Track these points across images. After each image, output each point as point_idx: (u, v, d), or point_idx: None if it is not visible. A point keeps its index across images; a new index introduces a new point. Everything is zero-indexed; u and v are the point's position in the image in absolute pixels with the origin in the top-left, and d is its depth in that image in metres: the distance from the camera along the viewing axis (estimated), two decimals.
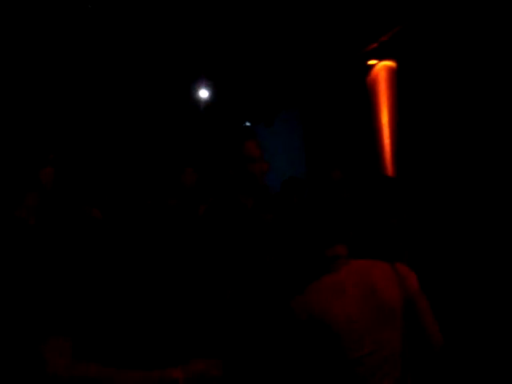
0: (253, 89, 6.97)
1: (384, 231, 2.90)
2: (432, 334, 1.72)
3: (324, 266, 1.78)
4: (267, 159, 2.18)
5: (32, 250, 2.43)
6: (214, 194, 2.87)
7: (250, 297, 1.88)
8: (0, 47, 4.52)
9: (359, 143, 5.70)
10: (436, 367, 1.82)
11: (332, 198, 3.36)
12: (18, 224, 2.42)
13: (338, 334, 1.65)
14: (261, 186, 2.15)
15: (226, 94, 7.12)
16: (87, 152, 4.94)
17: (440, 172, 4.15)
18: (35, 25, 4.51)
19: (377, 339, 1.67)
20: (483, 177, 3.62)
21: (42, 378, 1.28)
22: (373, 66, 5.33)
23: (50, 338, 1.32)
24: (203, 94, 6.79)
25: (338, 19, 4.75)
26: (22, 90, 4.96)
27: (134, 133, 5.89)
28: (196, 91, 6.73)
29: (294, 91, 6.94)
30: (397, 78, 4.97)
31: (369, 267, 1.78)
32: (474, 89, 3.81)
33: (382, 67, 5.20)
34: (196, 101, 6.77)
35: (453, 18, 3.98)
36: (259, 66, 6.18)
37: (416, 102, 4.59)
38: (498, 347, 2.71)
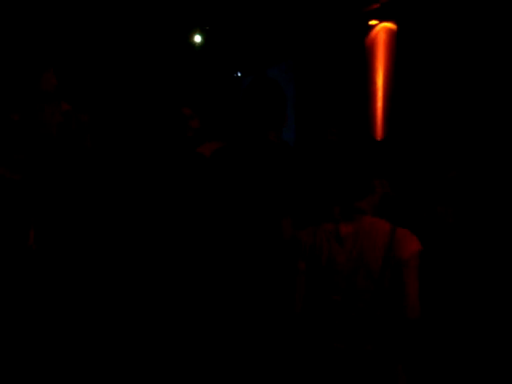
0: (246, 38, 6.84)
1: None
2: (407, 304, 1.79)
3: (342, 214, 1.93)
4: None
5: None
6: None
7: None
8: None
9: (351, 103, 5.70)
10: (405, 340, 1.89)
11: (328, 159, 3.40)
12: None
13: (324, 271, 1.88)
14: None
15: (219, 42, 6.98)
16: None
17: (431, 138, 4.20)
18: None
19: (351, 291, 1.83)
20: (475, 146, 3.69)
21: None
22: (373, 26, 5.27)
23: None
24: (197, 38, 6.64)
25: None
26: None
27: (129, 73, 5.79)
28: (189, 35, 6.58)
29: (289, 44, 6.83)
30: (396, 40, 4.94)
31: (370, 226, 1.88)
32: (474, 59, 3.83)
33: (381, 28, 5.15)
34: (189, 45, 6.63)
35: None
36: (255, 15, 6.06)
37: (413, 67, 4.60)
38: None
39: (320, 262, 1.88)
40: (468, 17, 3.91)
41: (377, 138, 5.05)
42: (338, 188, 1.94)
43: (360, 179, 1.92)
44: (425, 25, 4.43)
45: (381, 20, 5.14)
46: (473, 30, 3.85)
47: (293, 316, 1.96)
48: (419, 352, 2.07)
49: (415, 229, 1.89)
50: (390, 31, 5.04)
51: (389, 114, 5.08)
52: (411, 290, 1.79)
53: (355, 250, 1.83)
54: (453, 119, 4.01)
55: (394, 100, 4.99)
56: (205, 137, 3.29)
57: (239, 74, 7.81)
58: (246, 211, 2.18)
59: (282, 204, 2.17)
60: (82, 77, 4.96)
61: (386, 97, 5.12)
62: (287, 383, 2.01)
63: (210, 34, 6.79)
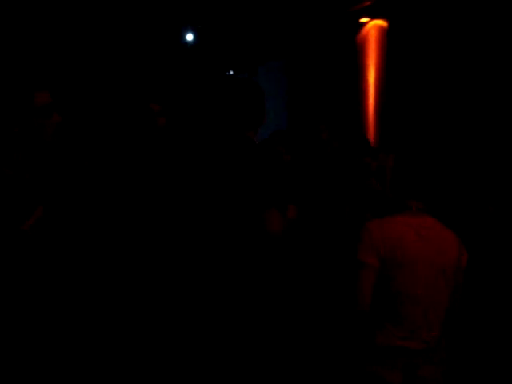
0: (239, 36, 6.86)
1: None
2: (458, 300, 1.91)
3: (398, 208, 1.93)
4: None
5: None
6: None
7: None
8: None
9: (343, 100, 5.74)
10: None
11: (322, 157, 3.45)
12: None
13: (401, 265, 1.82)
14: None
15: (212, 40, 7.00)
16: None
17: (422, 135, 4.24)
18: None
19: (427, 291, 1.83)
20: (465, 140, 3.74)
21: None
22: (364, 23, 5.31)
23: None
24: (189, 37, 6.65)
25: None
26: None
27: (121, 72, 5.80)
28: (182, 34, 6.59)
29: (281, 41, 6.86)
30: (387, 38, 4.98)
31: (441, 228, 1.91)
32: (463, 56, 3.87)
33: (373, 26, 5.20)
34: (182, 43, 6.65)
35: None
36: (247, 13, 6.07)
37: (404, 64, 4.63)
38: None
39: (399, 254, 1.82)
40: (459, 14, 3.95)
41: (369, 134, 5.08)
42: (398, 185, 1.97)
43: (422, 178, 1.94)
44: (416, 22, 4.46)
45: (372, 17, 5.18)
46: (464, 26, 3.90)
47: (361, 313, 1.86)
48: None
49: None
50: (381, 28, 5.08)
51: (381, 110, 5.12)
52: (461, 290, 1.91)
53: (435, 248, 1.84)
54: (444, 114, 4.05)
55: (386, 97, 5.03)
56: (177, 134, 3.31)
57: (231, 73, 7.84)
58: (218, 205, 2.19)
59: (261, 197, 2.16)
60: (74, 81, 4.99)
61: (377, 94, 5.16)
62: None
63: (202, 32, 6.81)
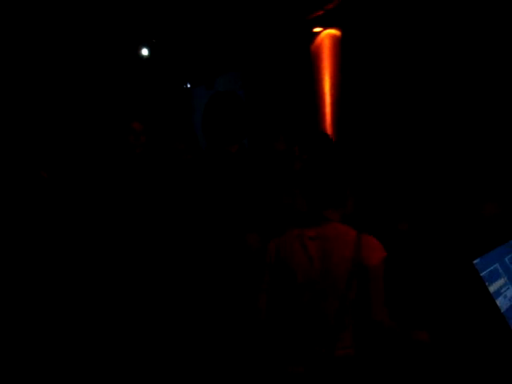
0: (194, 49, 6.84)
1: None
2: (375, 314, 1.83)
3: (310, 220, 1.95)
4: None
5: None
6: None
7: None
8: None
9: (300, 110, 5.78)
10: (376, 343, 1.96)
11: (277, 168, 3.43)
12: None
13: (293, 276, 1.88)
14: None
15: (167, 54, 6.96)
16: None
17: (378, 142, 4.31)
18: None
19: (316, 296, 1.85)
20: (421, 146, 3.81)
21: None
22: (317, 33, 5.38)
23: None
24: (144, 52, 6.59)
25: None
26: None
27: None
28: (137, 48, 6.52)
29: (236, 54, 6.88)
30: (341, 46, 5.05)
31: (335, 232, 1.89)
32: (416, 62, 3.96)
33: (326, 35, 5.26)
34: (137, 58, 6.58)
35: None
36: (201, 26, 6.06)
37: (359, 71, 4.71)
38: None
39: (286, 266, 1.89)
40: (411, 21, 4.04)
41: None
42: (309, 196, 1.95)
43: (332, 188, 1.92)
44: (369, 30, 4.54)
45: (325, 27, 5.25)
46: (416, 34, 3.98)
47: (258, 323, 1.96)
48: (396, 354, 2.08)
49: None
50: (334, 37, 5.15)
51: (337, 118, 5.18)
52: (378, 294, 1.83)
53: (320, 254, 1.84)
54: (397, 121, 4.13)
55: (342, 105, 5.09)
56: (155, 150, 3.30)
57: (188, 85, 7.80)
58: (207, 225, 2.19)
59: (244, 217, 2.21)
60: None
61: (333, 102, 5.22)
62: None
63: (157, 46, 6.75)
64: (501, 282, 2.12)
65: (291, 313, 1.90)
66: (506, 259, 2.22)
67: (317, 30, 5.33)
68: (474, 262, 2.05)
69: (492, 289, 2.04)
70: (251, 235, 2.24)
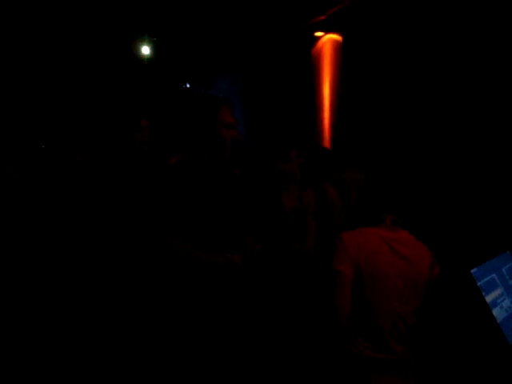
0: (194, 50, 6.84)
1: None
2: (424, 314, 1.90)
3: (372, 221, 1.94)
4: None
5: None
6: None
7: None
8: None
9: (299, 113, 5.78)
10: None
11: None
12: None
13: (373, 277, 1.81)
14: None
15: (168, 53, 6.95)
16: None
17: (376, 147, 4.31)
18: None
19: (398, 304, 1.82)
20: (420, 152, 3.81)
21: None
22: (319, 37, 5.38)
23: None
24: (145, 50, 6.58)
25: None
26: None
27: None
28: (138, 47, 6.51)
29: (237, 55, 6.88)
30: (342, 51, 5.06)
31: (415, 241, 1.92)
32: (417, 68, 3.96)
33: (327, 40, 5.27)
34: (138, 57, 6.57)
35: None
36: (203, 27, 6.06)
37: (359, 76, 4.71)
38: None
39: (372, 266, 1.81)
40: (412, 27, 4.04)
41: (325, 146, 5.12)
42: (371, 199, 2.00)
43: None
44: (370, 35, 4.55)
45: (326, 31, 5.25)
46: (417, 39, 3.99)
47: (339, 325, 1.80)
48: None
49: None
50: (335, 42, 5.16)
51: (336, 123, 5.18)
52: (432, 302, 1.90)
53: (407, 262, 1.84)
54: (396, 126, 4.13)
55: (341, 110, 5.09)
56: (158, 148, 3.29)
57: (188, 86, 7.79)
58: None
59: (244, 223, 2.20)
60: None
61: (332, 106, 5.22)
62: None
63: (158, 46, 6.75)
64: (497, 292, 2.12)
65: (367, 310, 1.82)
66: (504, 270, 2.23)
67: (318, 34, 5.34)
68: (472, 271, 2.05)
69: (488, 299, 2.04)
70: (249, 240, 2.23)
